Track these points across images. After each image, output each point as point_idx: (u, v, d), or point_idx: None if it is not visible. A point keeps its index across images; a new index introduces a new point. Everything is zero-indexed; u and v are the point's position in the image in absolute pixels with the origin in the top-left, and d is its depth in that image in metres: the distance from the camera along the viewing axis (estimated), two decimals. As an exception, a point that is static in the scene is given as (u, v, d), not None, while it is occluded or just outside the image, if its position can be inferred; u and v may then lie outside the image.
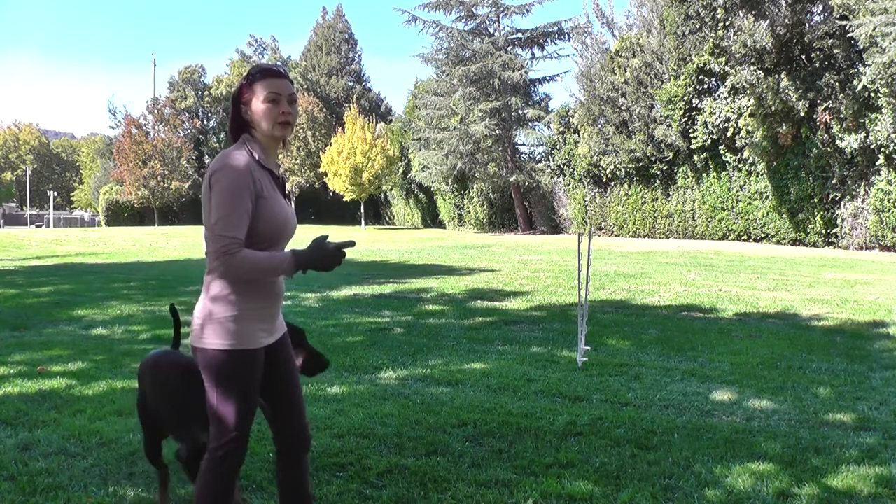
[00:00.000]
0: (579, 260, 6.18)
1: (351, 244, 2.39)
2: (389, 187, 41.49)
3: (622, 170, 27.10)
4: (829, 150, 19.64)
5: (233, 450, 2.41)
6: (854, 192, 19.44)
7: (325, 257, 2.32)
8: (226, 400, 2.36)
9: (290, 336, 2.69)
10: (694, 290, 10.38)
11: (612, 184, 28.16)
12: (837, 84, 19.01)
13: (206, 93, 59.44)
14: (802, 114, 19.79)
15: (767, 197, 21.94)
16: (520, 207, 32.66)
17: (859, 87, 17.59)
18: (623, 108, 26.46)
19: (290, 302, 9.27)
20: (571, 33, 31.15)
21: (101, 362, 5.89)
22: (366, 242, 24.07)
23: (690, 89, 23.57)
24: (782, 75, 20.05)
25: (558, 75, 37.37)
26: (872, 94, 17.67)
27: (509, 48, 32.64)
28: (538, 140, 32.92)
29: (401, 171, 39.85)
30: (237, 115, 2.42)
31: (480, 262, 15.43)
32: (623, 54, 27.01)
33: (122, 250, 21.39)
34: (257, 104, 2.35)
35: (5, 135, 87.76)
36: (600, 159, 27.64)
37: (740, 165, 22.76)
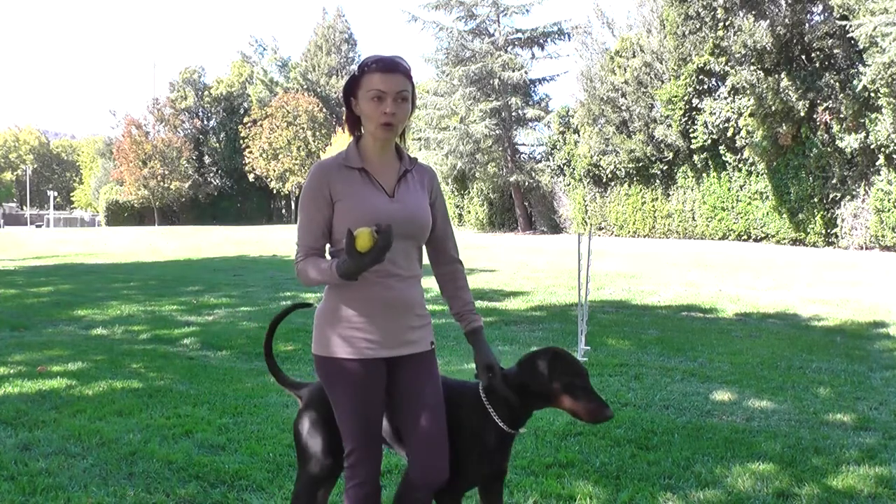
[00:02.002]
0: (579, 260, 6.18)
1: (384, 229, 2.00)
2: (389, 187, 41.55)
3: (622, 170, 27.10)
4: (829, 150, 19.63)
5: (351, 470, 2.24)
6: (854, 192, 19.44)
7: (352, 262, 2.02)
8: (337, 411, 2.25)
9: (569, 378, 2.29)
10: (694, 290, 10.37)
11: (612, 184, 28.15)
12: (837, 84, 19.01)
13: (206, 93, 59.42)
14: (802, 114, 19.78)
15: (767, 197, 21.94)
16: (520, 207, 32.67)
17: (859, 87, 17.58)
18: (623, 108, 26.46)
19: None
20: (571, 33, 31.16)
21: (101, 362, 5.89)
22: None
23: (690, 89, 23.57)
24: (782, 75, 20.05)
25: (558, 75, 37.39)
26: (872, 94, 17.67)
27: (509, 48, 32.65)
28: (538, 140, 32.95)
29: (401, 171, 39.90)
30: (349, 109, 2.26)
31: (480, 262, 15.42)
32: (623, 54, 27.02)
33: (122, 250, 21.39)
34: (363, 101, 2.18)
35: (5, 135, 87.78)
36: (600, 159, 27.64)
37: (740, 165, 22.76)
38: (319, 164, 2.25)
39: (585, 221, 29.21)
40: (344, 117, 2.34)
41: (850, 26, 16.69)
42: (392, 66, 2.15)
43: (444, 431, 2.28)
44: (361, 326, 2.21)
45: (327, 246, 2.28)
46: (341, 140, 39.53)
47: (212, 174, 59.00)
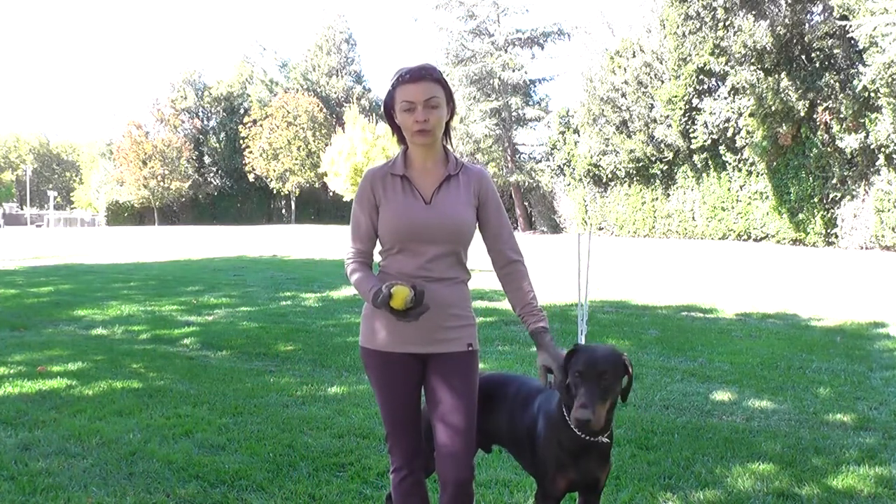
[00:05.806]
0: (579, 260, 6.18)
1: (419, 298, 2.10)
2: (390, 187, 41.63)
3: (622, 170, 27.11)
4: (829, 150, 19.64)
5: (390, 456, 2.37)
6: (854, 192, 19.44)
7: (384, 311, 2.15)
8: (378, 400, 2.39)
9: (574, 371, 2.13)
10: (694, 290, 10.37)
11: (612, 184, 28.16)
12: (837, 84, 19.02)
13: (206, 93, 59.43)
14: (802, 114, 19.79)
15: (767, 197, 21.94)
16: (520, 207, 32.69)
17: (859, 87, 17.59)
18: (623, 108, 26.47)
19: (290, 302, 9.27)
20: (572, 33, 31.21)
21: (101, 362, 5.89)
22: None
23: (690, 89, 23.58)
24: (782, 75, 20.05)
25: (558, 75, 37.46)
26: (872, 94, 17.68)
27: (509, 48, 32.67)
28: (538, 140, 33.01)
29: (401, 170, 39.99)
30: (392, 122, 2.36)
31: (480, 262, 15.42)
32: (623, 54, 27.03)
33: (122, 250, 21.39)
34: (398, 113, 2.28)
35: (5, 134, 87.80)
36: (600, 159, 27.65)
37: (740, 165, 22.76)
38: (368, 171, 2.40)
39: (585, 221, 29.22)
40: (391, 132, 2.43)
41: (850, 26, 16.70)
42: (418, 75, 2.23)
43: (469, 428, 2.30)
44: (392, 322, 2.28)
45: (376, 249, 2.40)
46: (341, 140, 39.49)
47: (212, 174, 59.00)
